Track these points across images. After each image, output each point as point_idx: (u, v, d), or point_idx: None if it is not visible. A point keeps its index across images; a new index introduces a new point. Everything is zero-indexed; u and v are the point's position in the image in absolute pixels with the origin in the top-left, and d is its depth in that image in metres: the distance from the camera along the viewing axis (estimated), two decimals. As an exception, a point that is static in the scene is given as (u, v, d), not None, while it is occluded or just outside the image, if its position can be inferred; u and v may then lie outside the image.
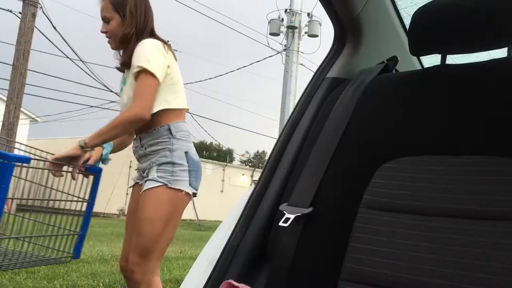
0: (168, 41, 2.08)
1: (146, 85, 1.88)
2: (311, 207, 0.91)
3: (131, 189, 2.11)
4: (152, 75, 1.88)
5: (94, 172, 1.89)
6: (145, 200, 1.89)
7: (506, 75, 0.88)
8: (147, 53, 1.91)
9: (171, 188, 1.88)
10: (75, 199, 1.87)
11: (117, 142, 2.09)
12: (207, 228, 13.60)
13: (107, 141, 1.94)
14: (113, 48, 2.06)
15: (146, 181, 1.92)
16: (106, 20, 2.00)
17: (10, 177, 1.47)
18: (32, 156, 1.73)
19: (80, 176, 1.86)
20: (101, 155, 1.98)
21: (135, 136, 2.06)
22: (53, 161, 1.79)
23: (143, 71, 1.88)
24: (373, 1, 1.19)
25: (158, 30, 2.15)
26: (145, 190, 1.90)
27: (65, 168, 1.82)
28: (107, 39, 2.03)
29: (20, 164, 1.57)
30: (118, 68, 2.11)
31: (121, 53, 2.10)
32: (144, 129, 1.96)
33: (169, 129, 1.94)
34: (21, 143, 2.04)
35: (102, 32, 2.01)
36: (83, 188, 1.87)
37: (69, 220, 1.89)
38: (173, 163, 1.90)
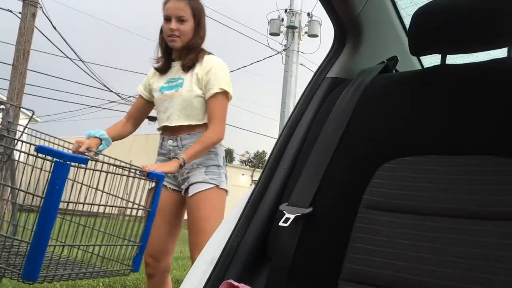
0: None
1: (225, 108, 2.07)
2: (311, 207, 0.91)
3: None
4: (228, 97, 2.08)
5: (156, 178, 1.76)
6: (201, 200, 2.01)
7: (506, 75, 0.88)
8: (227, 75, 2.09)
9: (220, 188, 2.06)
10: (135, 206, 1.72)
11: (116, 136, 2.16)
12: (207, 228, 13.55)
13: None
14: (176, 47, 2.11)
15: (193, 183, 2.03)
16: (182, 19, 2.06)
17: (66, 178, 1.38)
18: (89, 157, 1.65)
19: (138, 182, 1.76)
20: (98, 147, 2.00)
21: (165, 137, 2.11)
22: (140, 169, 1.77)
23: (224, 93, 2.05)
24: (373, 1, 1.19)
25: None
26: (200, 191, 2.01)
27: (126, 172, 1.73)
28: (171, 37, 2.07)
29: (76, 164, 1.46)
30: (157, 69, 2.19)
31: (159, 53, 2.18)
32: (187, 130, 2.06)
33: None
34: (26, 127, 1.93)
35: (173, 29, 2.05)
36: (127, 191, 1.72)
37: (128, 229, 1.73)
38: (218, 166, 2.08)
